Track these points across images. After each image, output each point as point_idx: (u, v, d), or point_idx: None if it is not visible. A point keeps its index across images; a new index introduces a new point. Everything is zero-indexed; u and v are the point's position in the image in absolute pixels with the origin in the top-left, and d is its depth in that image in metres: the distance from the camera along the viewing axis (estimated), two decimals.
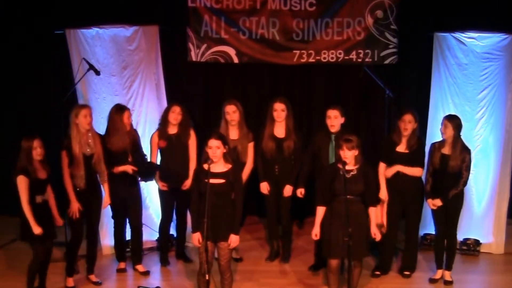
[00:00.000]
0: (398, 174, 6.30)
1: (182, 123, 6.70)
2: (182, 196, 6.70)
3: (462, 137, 6.24)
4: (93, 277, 6.45)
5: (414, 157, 6.30)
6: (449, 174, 6.19)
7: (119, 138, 6.39)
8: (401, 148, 6.36)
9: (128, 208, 6.58)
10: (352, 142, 5.56)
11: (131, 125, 6.56)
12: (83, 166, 6.13)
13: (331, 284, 5.80)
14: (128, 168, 6.40)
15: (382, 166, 6.42)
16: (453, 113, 6.54)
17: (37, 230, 5.74)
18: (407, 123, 6.28)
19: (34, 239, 5.79)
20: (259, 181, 6.84)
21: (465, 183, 6.23)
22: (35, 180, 5.76)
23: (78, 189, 6.16)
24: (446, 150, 6.22)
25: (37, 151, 5.77)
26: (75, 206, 6.15)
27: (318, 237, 5.72)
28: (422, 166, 6.35)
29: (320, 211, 5.71)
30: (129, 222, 6.67)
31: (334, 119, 6.40)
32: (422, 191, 6.40)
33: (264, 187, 6.74)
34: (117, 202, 6.53)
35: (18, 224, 5.85)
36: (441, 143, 6.28)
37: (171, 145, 6.68)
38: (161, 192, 6.79)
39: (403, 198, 6.31)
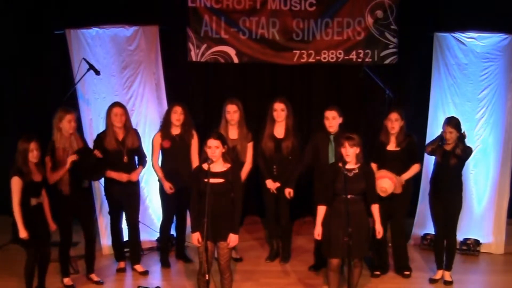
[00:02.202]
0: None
1: (184, 123, 6.69)
2: (183, 196, 6.70)
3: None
4: (94, 277, 6.45)
5: (408, 155, 6.31)
6: (450, 171, 6.19)
7: (110, 136, 6.41)
8: (391, 146, 6.37)
9: (125, 205, 6.58)
10: (354, 139, 5.57)
11: (128, 125, 6.54)
12: (68, 170, 6.08)
13: (331, 284, 5.80)
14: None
15: (373, 166, 6.42)
16: (452, 115, 6.51)
17: (23, 233, 5.69)
18: (394, 122, 6.29)
19: (24, 242, 5.77)
20: (260, 180, 6.85)
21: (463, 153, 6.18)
22: (30, 182, 5.71)
23: (63, 193, 6.10)
24: (448, 147, 6.21)
25: (33, 154, 5.72)
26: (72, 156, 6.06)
27: (320, 237, 5.71)
28: (418, 161, 6.38)
29: (321, 210, 5.71)
30: (126, 220, 6.67)
31: (332, 120, 6.40)
32: (408, 190, 6.39)
33: (271, 184, 6.74)
34: (114, 197, 6.55)
35: (10, 226, 5.83)
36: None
37: (175, 146, 6.68)
38: (162, 193, 6.78)
39: (391, 195, 6.27)
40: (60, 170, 6.06)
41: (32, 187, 5.77)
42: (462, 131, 6.19)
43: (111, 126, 6.43)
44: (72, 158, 6.06)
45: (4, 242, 7.37)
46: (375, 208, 5.71)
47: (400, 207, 6.40)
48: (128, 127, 6.51)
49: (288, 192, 6.58)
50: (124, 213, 6.65)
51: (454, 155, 6.12)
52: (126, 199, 6.56)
